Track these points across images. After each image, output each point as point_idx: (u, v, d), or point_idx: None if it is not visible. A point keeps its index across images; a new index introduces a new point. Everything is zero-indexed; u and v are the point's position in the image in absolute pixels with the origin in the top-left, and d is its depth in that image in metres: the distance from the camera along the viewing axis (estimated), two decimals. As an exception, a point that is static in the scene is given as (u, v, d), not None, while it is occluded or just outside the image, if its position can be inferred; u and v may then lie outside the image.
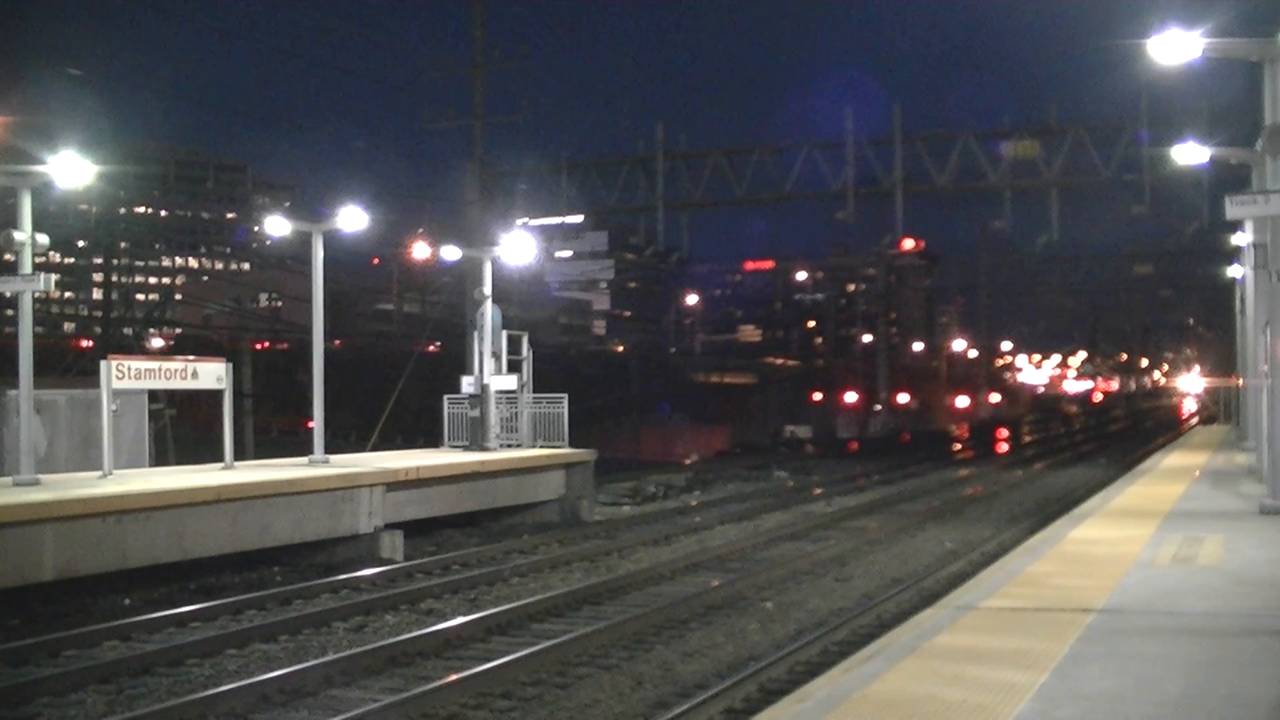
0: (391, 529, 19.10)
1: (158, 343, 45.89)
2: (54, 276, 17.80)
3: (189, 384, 19.31)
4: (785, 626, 13.78)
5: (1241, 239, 28.75)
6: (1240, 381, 37.84)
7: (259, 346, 50.76)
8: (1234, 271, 37.44)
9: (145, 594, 15.54)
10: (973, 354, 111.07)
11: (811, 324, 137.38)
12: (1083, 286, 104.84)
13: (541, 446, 25.33)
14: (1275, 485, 16.98)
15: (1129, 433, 75.68)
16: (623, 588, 16.28)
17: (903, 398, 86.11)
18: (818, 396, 78.11)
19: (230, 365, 19.61)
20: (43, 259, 18.00)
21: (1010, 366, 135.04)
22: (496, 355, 25.35)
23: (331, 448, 21.54)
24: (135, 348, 34.70)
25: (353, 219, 21.74)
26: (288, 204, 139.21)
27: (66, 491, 14.93)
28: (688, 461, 43.96)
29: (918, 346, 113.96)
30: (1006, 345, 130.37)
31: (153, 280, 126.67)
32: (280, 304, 75.66)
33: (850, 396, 78.24)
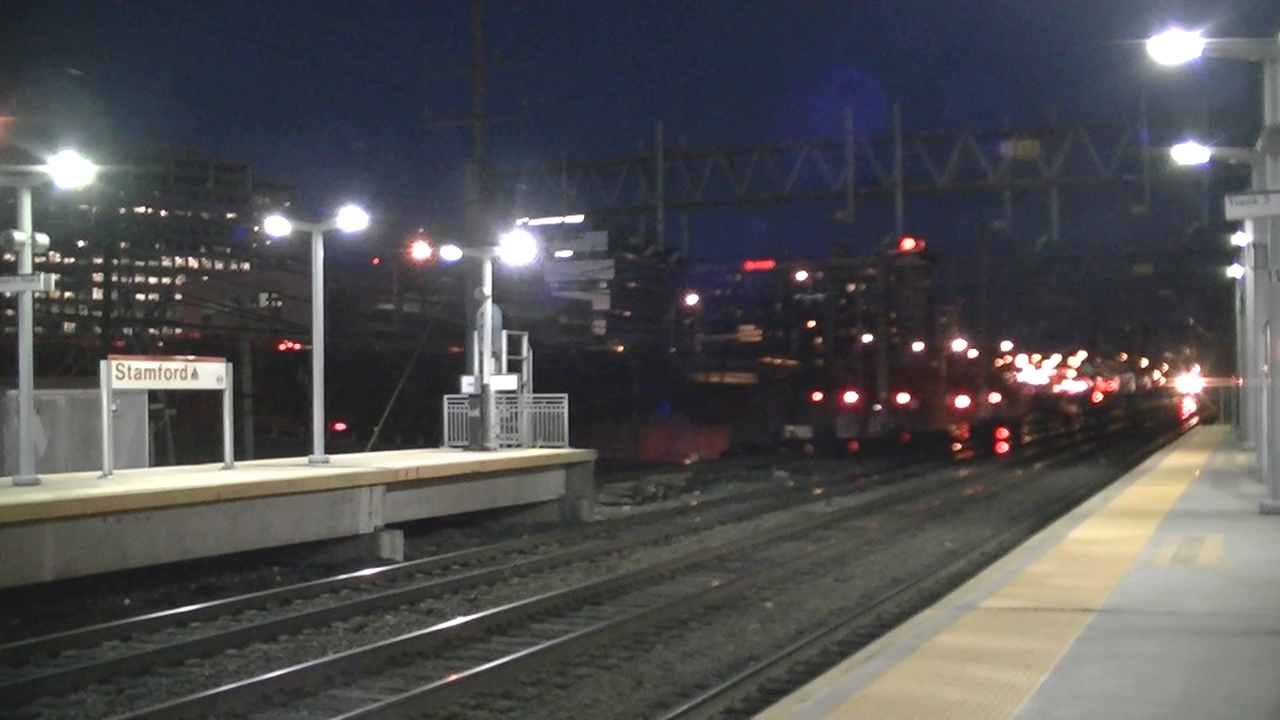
0: (391, 529, 19.10)
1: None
2: (54, 276, 17.79)
3: (189, 384, 19.31)
4: (785, 626, 13.78)
5: (1241, 239, 28.77)
6: (1240, 381, 37.84)
7: (283, 347, 50.63)
8: (1234, 271, 37.46)
9: (145, 594, 15.54)
10: (973, 354, 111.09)
11: (811, 324, 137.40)
12: (1083, 286, 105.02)
13: (541, 446, 25.33)
14: (1275, 485, 16.98)
15: (1129, 433, 75.68)
16: (623, 588, 16.27)
17: (903, 398, 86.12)
18: (818, 396, 78.10)
19: (230, 365, 19.63)
20: (43, 259, 17.99)
21: (1010, 366, 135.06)
22: (496, 355, 25.35)
23: (331, 448, 21.55)
24: (142, 347, 34.69)
25: (353, 219, 21.74)
26: (288, 204, 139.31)
27: (66, 491, 14.93)
28: (688, 461, 43.96)
29: (918, 346, 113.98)
30: (1006, 345, 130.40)
31: (153, 280, 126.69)
32: (280, 304, 75.64)
33: (850, 396, 78.24)
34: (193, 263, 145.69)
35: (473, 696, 10.60)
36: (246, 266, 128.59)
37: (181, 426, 29.00)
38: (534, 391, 25.90)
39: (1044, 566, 12.46)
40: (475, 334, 25.97)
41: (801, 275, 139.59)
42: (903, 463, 43.41)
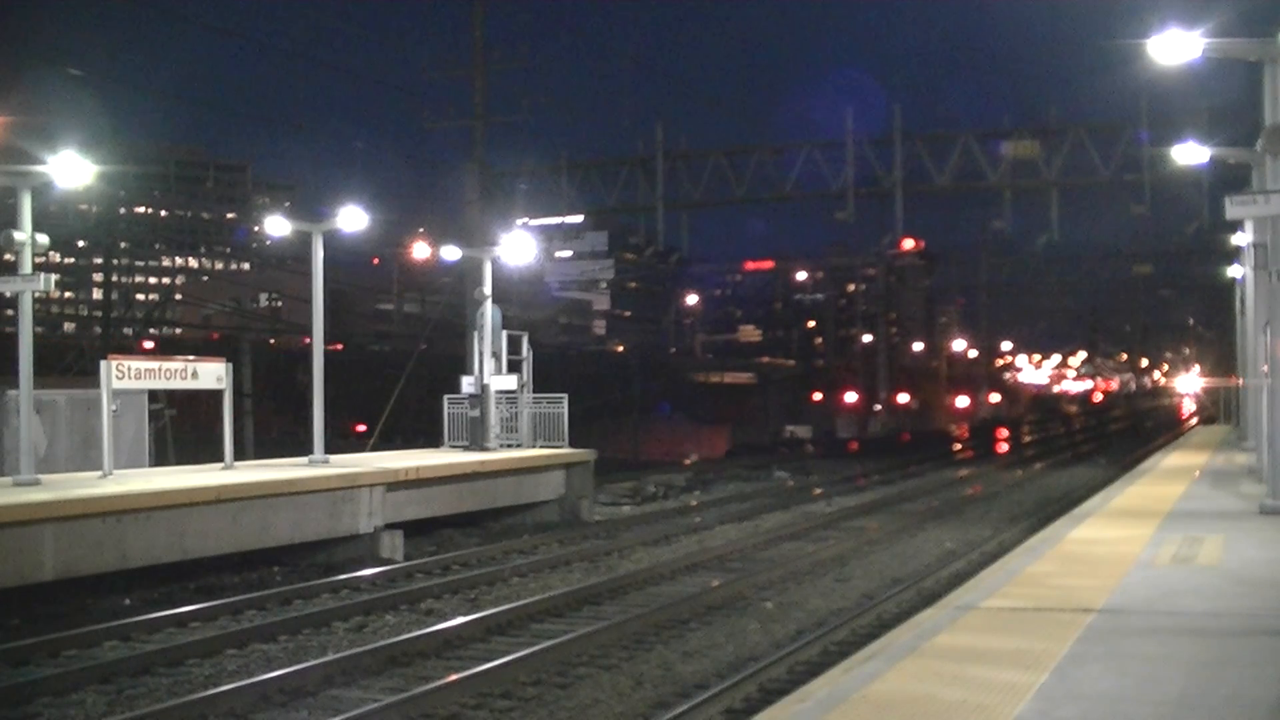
0: (391, 529, 19.11)
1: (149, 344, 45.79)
2: (54, 276, 17.81)
3: (189, 384, 19.31)
4: (785, 626, 13.78)
5: (1241, 239, 28.76)
6: (1240, 382, 37.84)
7: (304, 341, 50.43)
8: (1234, 271, 37.46)
9: (145, 594, 15.54)
10: (973, 354, 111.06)
11: (811, 324, 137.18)
12: (1083, 286, 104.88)
13: (541, 446, 25.33)
14: (1275, 485, 16.98)
15: (1129, 433, 75.66)
16: (623, 588, 16.28)
17: (903, 398, 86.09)
18: (818, 396, 78.03)
19: (230, 365, 19.63)
20: (43, 259, 18.00)
21: (1010, 366, 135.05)
22: (496, 355, 25.35)
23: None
24: (159, 348, 34.68)
25: (353, 219, 21.75)
26: (288, 204, 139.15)
27: (66, 491, 14.93)
28: (687, 461, 43.96)
29: (918, 346, 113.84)
30: (1006, 345, 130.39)
31: (153, 280, 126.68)
32: (280, 304, 75.60)
33: (850, 396, 78.17)
34: (193, 263, 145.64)
35: (473, 696, 10.61)
36: (246, 266, 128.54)
37: (181, 426, 28.96)
38: (534, 391, 25.90)
39: (1044, 566, 12.46)
40: (475, 334, 25.97)
41: (801, 275, 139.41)
42: (903, 463, 43.41)
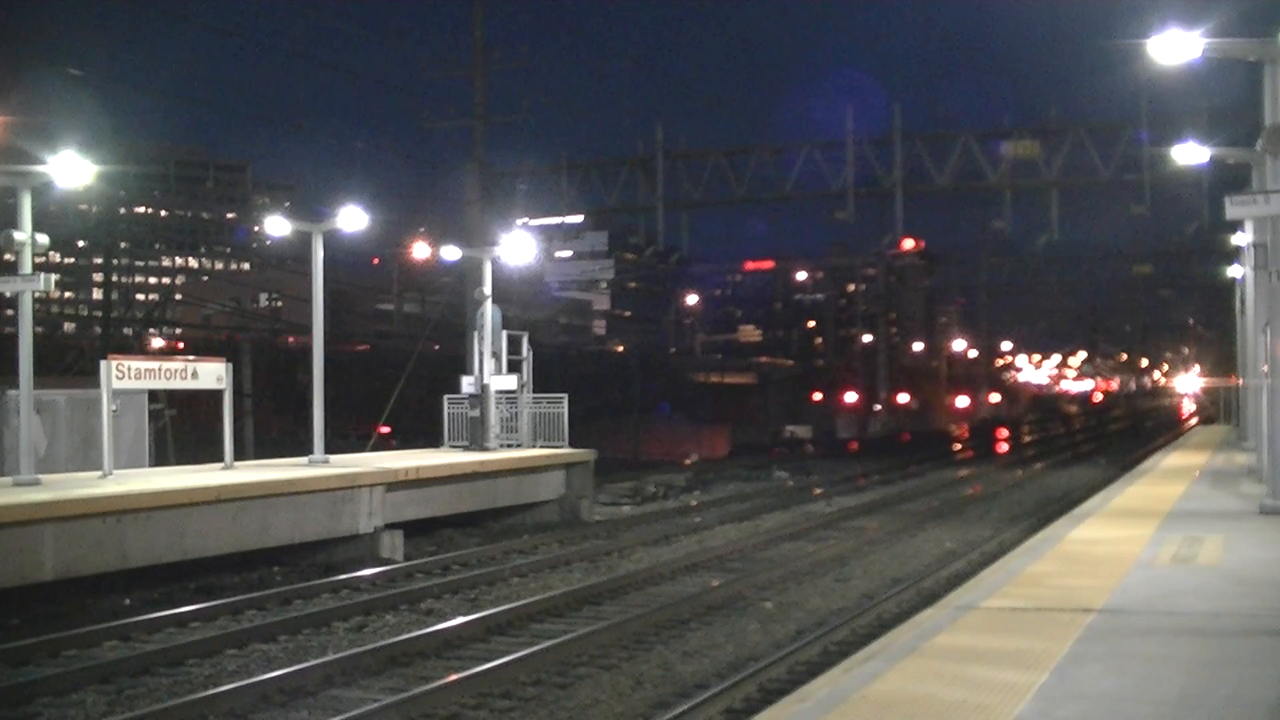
0: (391, 529, 19.10)
1: (157, 342, 45.82)
2: (54, 276, 17.81)
3: (189, 384, 19.30)
4: (785, 626, 13.78)
5: (1241, 239, 28.75)
6: (1240, 382, 37.84)
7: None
8: (1234, 271, 37.44)
9: (145, 594, 15.54)
10: (973, 354, 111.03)
11: (811, 324, 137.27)
12: (1083, 286, 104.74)
13: (541, 446, 25.33)
14: (1275, 485, 16.98)
15: (1129, 433, 75.68)
16: (623, 588, 16.28)
17: (903, 398, 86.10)
18: (818, 396, 78.02)
19: (230, 365, 19.63)
20: (43, 259, 18.00)
21: (1010, 366, 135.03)
22: (496, 355, 25.35)
23: (331, 448, 21.55)
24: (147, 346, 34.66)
25: (353, 219, 21.75)
26: (288, 204, 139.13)
27: (66, 491, 14.93)
28: (687, 462, 43.95)
29: (918, 346, 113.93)
30: (1006, 345, 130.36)
31: (153, 280, 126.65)
32: (280, 304, 75.58)
33: (850, 396, 78.17)
34: (193, 263, 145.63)
35: (473, 696, 10.61)
36: (246, 266, 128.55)
37: (181, 426, 28.96)
38: (534, 391, 25.90)
39: (1044, 566, 12.46)
40: (475, 334, 25.97)
41: (801, 275, 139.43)
42: (902, 463, 43.42)
